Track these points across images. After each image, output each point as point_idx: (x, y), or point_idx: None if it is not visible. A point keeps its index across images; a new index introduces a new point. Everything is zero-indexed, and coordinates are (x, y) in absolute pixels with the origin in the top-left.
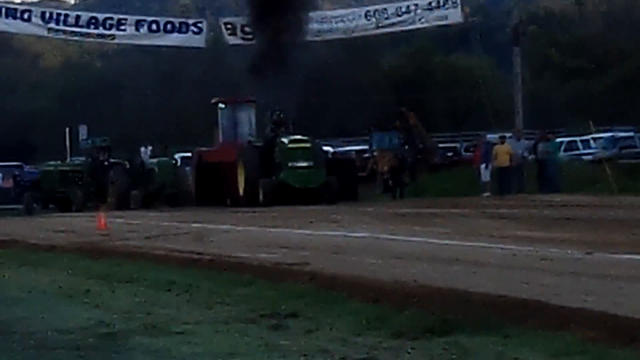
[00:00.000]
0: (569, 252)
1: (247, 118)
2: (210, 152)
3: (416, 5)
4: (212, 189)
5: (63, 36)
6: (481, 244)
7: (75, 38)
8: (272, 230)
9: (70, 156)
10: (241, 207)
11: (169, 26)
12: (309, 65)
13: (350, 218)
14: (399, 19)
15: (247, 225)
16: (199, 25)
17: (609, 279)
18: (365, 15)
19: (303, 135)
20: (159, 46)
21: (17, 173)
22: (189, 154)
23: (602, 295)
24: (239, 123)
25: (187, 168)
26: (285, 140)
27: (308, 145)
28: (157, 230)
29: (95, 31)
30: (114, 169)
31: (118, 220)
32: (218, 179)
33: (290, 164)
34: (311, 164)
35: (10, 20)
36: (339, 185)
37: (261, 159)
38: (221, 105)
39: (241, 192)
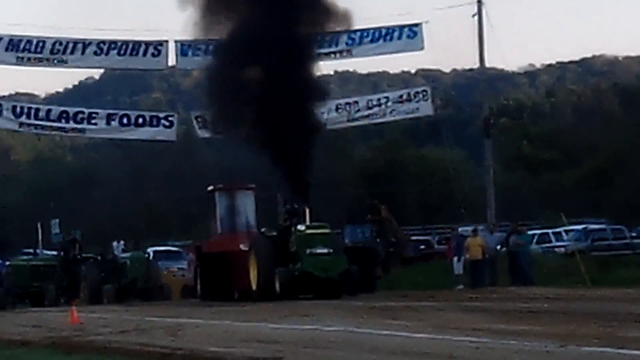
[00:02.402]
0: (542, 345)
1: (247, 206)
2: (210, 244)
3: (387, 98)
4: (217, 283)
5: (34, 130)
6: (454, 338)
7: (47, 132)
8: (245, 324)
9: (42, 250)
10: (254, 301)
11: (140, 120)
12: None
13: (323, 311)
14: (370, 111)
15: (220, 320)
16: (170, 118)
17: None
18: (337, 109)
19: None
20: (130, 140)
21: None
22: (161, 248)
23: None
24: (238, 211)
25: (160, 262)
26: (301, 227)
27: (327, 231)
28: (130, 325)
29: (67, 125)
30: (86, 264)
31: (91, 315)
32: (223, 272)
33: (309, 251)
34: (331, 250)
35: None
36: (360, 275)
37: (275, 249)
38: (218, 193)
39: (254, 285)
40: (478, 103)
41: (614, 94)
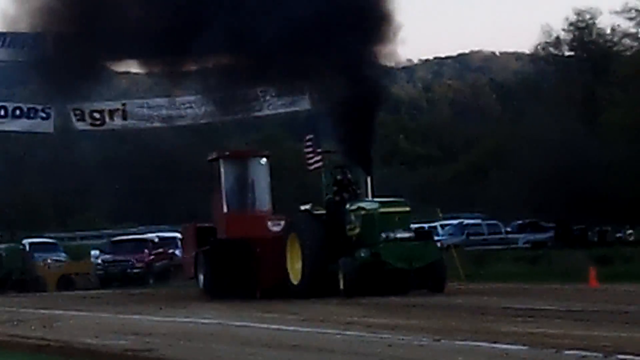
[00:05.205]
0: (417, 338)
1: (261, 178)
2: (226, 226)
3: (264, 91)
4: (234, 276)
5: None
6: (329, 331)
7: None
8: (121, 316)
9: None
10: (296, 297)
11: (17, 112)
12: (159, 150)
13: (200, 304)
14: (248, 105)
15: (95, 312)
16: (47, 110)
17: None
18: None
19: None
20: (7, 131)
21: None
22: (37, 240)
23: None
24: (251, 184)
25: (36, 254)
26: (364, 204)
27: (407, 209)
28: (4, 316)
29: None
30: None
31: None
32: (243, 263)
33: (384, 235)
34: (413, 235)
35: None
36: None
37: (327, 233)
38: (224, 162)
39: (294, 279)
40: None
41: (490, 89)
